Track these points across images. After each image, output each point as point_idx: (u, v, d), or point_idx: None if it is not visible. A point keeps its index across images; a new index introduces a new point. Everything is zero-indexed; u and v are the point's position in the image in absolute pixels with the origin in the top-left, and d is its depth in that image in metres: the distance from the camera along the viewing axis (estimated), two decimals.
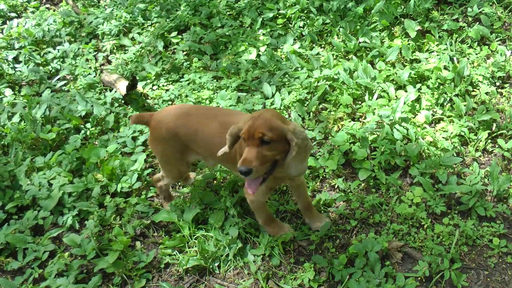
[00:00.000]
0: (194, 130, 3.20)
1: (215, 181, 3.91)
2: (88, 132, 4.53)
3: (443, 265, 3.04)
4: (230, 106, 4.40)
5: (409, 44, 4.72)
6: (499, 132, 3.97)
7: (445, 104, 4.20)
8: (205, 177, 3.89)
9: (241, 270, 3.30)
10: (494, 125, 4.01)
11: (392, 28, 4.99)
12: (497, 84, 4.46)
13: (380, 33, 4.90)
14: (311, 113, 4.26)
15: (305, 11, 5.38)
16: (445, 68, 4.42)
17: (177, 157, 3.40)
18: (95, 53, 5.74)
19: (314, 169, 3.80)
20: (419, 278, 3.07)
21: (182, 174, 3.58)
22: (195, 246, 3.38)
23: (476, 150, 3.87)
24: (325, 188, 3.76)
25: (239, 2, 5.88)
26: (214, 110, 3.38)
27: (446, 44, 4.75)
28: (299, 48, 4.94)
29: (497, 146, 3.90)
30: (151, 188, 3.98)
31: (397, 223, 3.37)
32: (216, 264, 3.32)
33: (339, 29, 5.02)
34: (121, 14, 6.06)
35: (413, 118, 4.04)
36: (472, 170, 3.64)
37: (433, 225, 3.33)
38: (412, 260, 3.20)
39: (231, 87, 4.67)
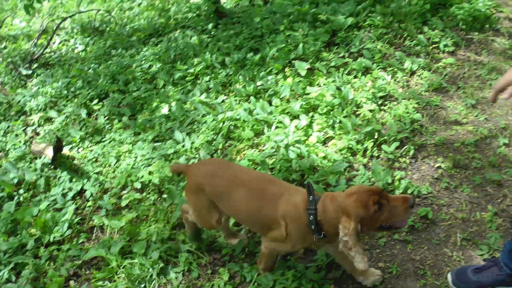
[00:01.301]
0: (219, 193, 3.29)
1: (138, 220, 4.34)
2: (21, 198, 4.90)
3: None
4: (146, 154, 4.90)
5: (300, 81, 5.38)
6: (382, 139, 4.60)
7: (335, 125, 4.81)
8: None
9: (164, 286, 3.70)
10: (377, 134, 4.64)
11: (285, 70, 5.67)
12: (379, 102, 5.13)
13: (275, 76, 5.57)
14: (219, 150, 4.80)
15: (210, 67, 6.03)
16: (333, 96, 5.07)
17: (206, 210, 3.44)
18: (24, 128, 6.19)
19: None
20: (319, 266, 3.55)
21: (213, 226, 3.56)
22: (123, 274, 3.77)
23: (364, 157, 4.46)
24: None
25: (152, 68, 6.50)
26: (243, 175, 3.31)
27: (334, 77, 5.44)
28: (205, 98, 5.54)
29: (382, 151, 4.51)
30: (81, 234, 4.36)
31: None
32: (142, 286, 3.70)
33: (239, 77, 5.66)
34: (46, 90, 6.59)
35: (306, 140, 4.62)
36: (359, 172, 4.22)
37: None
38: (312, 253, 3.68)
39: (148, 139, 5.19)
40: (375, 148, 4.56)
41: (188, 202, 3.60)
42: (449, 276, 3.35)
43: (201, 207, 3.46)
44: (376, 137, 4.63)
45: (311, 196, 2.93)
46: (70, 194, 4.78)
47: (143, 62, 6.73)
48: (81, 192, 4.89)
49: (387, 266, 3.52)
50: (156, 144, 5.10)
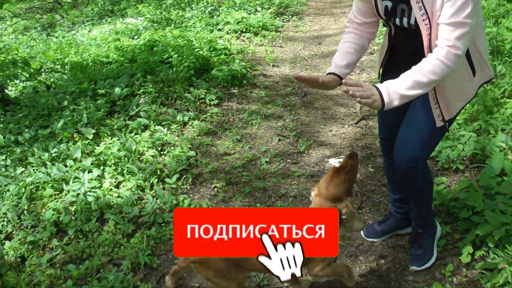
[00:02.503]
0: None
1: None
2: None
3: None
4: None
5: (89, 143, 6.23)
6: (165, 174, 5.61)
7: (124, 172, 5.71)
8: None
9: None
10: (159, 171, 5.64)
11: (74, 137, 6.48)
12: (159, 149, 6.20)
13: (66, 144, 6.32)
14: (25, 211, 5.36)
15: (5, 147, 6.56)
16: (118, 150, 5.99)
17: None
18: None
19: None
20: None
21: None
22: None
23: (152, 190, 5.39)
24: None
25: None
26: None
27: (118, 137, 6.38)
28: (5, 172, 6.05)
29: (166, 183, 5.49)
30: None
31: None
32: None
33: (34, 149, 6.32)
34: None
35: (101, 186, 5.43)
36: (149, 200, 5.15)
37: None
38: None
39: None
40: (160, 182, 5.55)
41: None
42: (362, 232, 4.37)
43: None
44: (159, 173, 5.65)
45: None
46: None
47: None
48: None
49: None
50: None
